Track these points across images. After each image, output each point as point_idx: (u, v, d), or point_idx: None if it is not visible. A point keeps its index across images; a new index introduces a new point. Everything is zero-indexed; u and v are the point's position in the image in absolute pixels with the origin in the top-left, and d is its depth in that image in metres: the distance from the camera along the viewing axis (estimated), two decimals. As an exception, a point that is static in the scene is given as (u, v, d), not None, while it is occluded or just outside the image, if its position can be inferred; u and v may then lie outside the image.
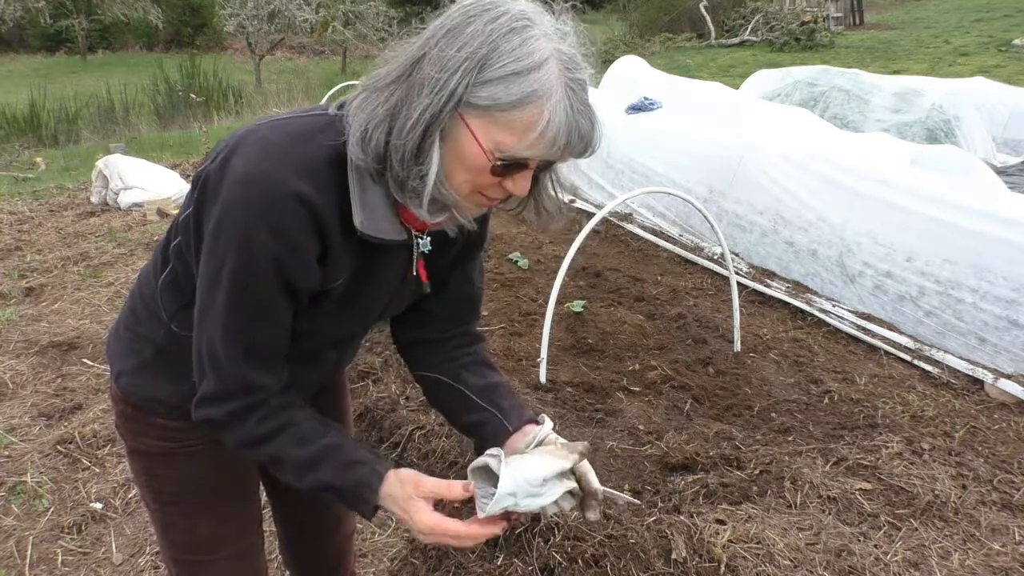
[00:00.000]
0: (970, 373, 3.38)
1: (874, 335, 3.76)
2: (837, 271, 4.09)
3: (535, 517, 2.11)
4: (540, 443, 1.13)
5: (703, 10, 17.69)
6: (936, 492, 2.41)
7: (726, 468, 2.57)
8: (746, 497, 2.41)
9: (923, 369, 3.50)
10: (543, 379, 3.16)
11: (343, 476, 1.05)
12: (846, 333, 3.86)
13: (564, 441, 1.13)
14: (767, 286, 4.31)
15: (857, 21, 18.45)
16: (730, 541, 2.12)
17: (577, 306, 3.95)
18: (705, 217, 3.52)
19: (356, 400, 2.95)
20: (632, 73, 8.45)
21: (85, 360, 3.54)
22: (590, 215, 3.31)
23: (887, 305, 3.85)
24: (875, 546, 2.18)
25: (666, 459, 2.64)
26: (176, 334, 1.12)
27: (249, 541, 1.36)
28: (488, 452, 1.05)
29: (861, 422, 2.96)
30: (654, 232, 5.24)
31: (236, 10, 16.98)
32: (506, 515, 1.04)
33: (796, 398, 3.20)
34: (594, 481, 1.10)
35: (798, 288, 4.25)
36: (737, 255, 4.61)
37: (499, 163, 0.91)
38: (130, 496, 2.61)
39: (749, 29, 16.86)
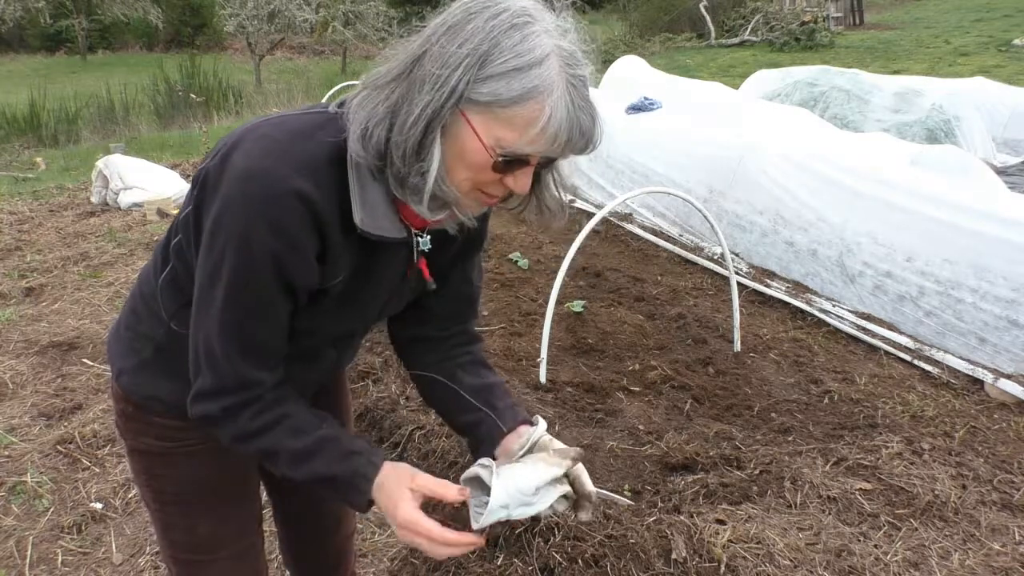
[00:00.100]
0: (970, 373, 3.38)
1: (874, 335, 3.76)
2: (837, 271, 4.09)
3: (533, 517, 2.11)
4: (534, 445, 1.13)
5: (703, 10, 17.70)
6: (936, 492, 2.41)
7: (726, 468, 2.57)
8: (746, 497, 2.41)
9: (923, 369, 3.50)
10: (543, 379, 3.16)
11: (339, 466, 1.05)
12: (846, 333, 3.86)
13: (558, 444, 1.13)
14: (767, 286, 4.31)
15: (857, 21, 18.45)
16: (730, 541, 2.12)
17: (577, 306, 3.95)
18: (705, 217, 3.52)
19: (356, 400, 2.95)
20: (632, 73, 8.45)
21: (85, 360, 3.54)
22: (590, 215, 3.31)
23: (887, 305, 3.85)
24: (875, 546, 2.18)
25: (666, 459, 2.64)
26: (176, 333, 1.12)
27: (249, 541, 1.36)
28: (479, 462, 1.05)
29: (861, 422, 2.96)
30: (654, 232, 5.24)
31: (236, 10, 16.98)
32: (482, 530, 1.04)
33: (796, 398, 3.20)
34: (588, 484, 1.10)
35: (798, 288, 4.25)
36: (737, 255, 4.61)
37: (500, 159, 0.91)
38: (130, 496, 2.61)
39: (749, 29, 16.86)
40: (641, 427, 2.88)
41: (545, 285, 4.14)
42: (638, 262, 4.85)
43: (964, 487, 2.48)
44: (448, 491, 1.04)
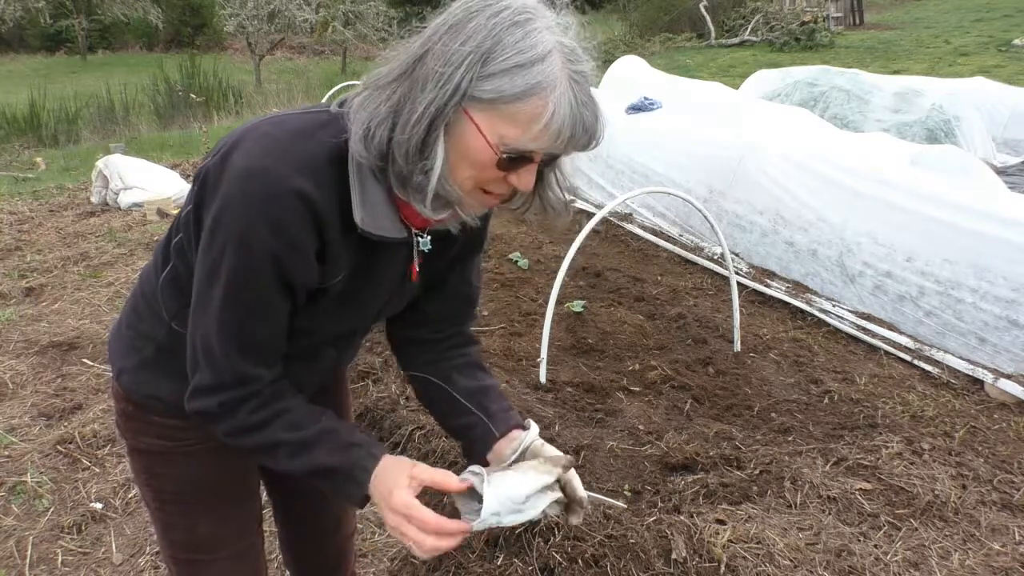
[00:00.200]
0: (970, 373, 3.38)
1: (874, 335, 3.76)
2: (837, 271, 4.09)
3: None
4: (526, 450, 1.14)
5: (703, 10, 17.70)
6: (936, 492, 2.41)
7: (726, 468, 2.57)
8: (746, 497, 2.41)
9: (923, 369, 3.50)
10: (543, 379, 3.16)
11: (339, 457, 1.04)
12: (846, 333, 3.86)
13: (551, 449, 1.14)
14: (767, 286, 4.31)
15: (857, 21, 18.45)
16: (730, 541, 2.12)
17: (577, 306, 3.95)
18: (705, 217, 3.52)
19: (356, 400, 2.95)
20: (632, 73, 8.45)
21: (85, 360, 3.54)
22: (590, 215, 3.31)
23: (887, 305, 3.85)
24: (875, 546, 2.18)
25: (666, 459, 2.64)
26: (177, 332, 1.12)
27: (249, 541, 1.35)
28: (470, 469, 1.06)
29: (861, 422, 2.96)
30: (654, 232, 5.24)
31: (236, 10, 16.98)
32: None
33: (796, 398, 3.20)
34: (579, 488, 1.10)
35: (798, 288, 4.25)
36: (737, 255, 4.61)
37: (504, 156, 0.91)
38: (130, 496, 2.61)
39: (749, 29, 16.86)
40: (641, 427, 2.88)
41: (545, 285, 4.14)
42: (638, 262, 4.85)
43: (964, 487, 2.48)
44: (449, 480, 1.03)
